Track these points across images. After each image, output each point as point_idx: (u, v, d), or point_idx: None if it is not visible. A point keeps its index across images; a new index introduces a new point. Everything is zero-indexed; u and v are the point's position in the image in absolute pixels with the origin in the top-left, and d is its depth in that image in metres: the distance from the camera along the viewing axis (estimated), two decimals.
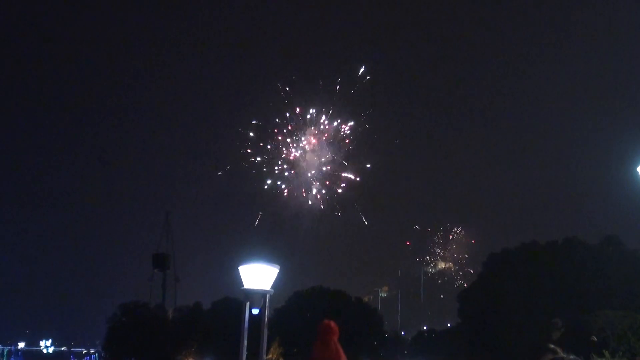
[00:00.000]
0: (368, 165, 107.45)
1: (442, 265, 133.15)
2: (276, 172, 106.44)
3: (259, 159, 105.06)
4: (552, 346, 8.71)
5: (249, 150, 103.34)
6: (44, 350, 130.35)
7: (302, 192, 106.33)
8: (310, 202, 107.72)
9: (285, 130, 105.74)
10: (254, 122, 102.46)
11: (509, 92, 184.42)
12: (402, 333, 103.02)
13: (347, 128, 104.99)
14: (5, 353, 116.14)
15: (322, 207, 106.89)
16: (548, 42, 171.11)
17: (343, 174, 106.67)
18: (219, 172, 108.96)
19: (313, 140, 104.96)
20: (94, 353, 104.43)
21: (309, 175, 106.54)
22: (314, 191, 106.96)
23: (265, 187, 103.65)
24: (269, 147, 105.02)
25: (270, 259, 13.45)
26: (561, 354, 8.27)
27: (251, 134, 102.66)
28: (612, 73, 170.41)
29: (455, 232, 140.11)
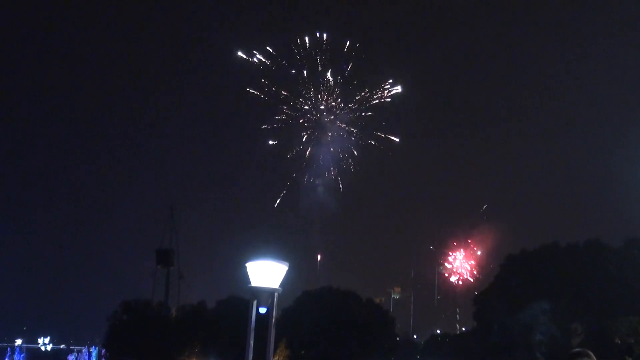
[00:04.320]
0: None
1: (457, 266, 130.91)
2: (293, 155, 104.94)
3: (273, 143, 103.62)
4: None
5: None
6: (42, 348, 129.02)
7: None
8: (322, 191, 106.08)
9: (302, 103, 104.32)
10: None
11: (528, 91, 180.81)
12: (415, 337, 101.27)
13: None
14: None
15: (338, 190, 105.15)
16: (577, 42, 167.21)
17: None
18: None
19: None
20: (92, 350, 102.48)
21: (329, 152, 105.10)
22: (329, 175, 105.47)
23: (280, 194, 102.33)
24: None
25: (279, 256, 12.90)
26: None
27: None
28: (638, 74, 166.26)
29: (473, 232, 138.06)
